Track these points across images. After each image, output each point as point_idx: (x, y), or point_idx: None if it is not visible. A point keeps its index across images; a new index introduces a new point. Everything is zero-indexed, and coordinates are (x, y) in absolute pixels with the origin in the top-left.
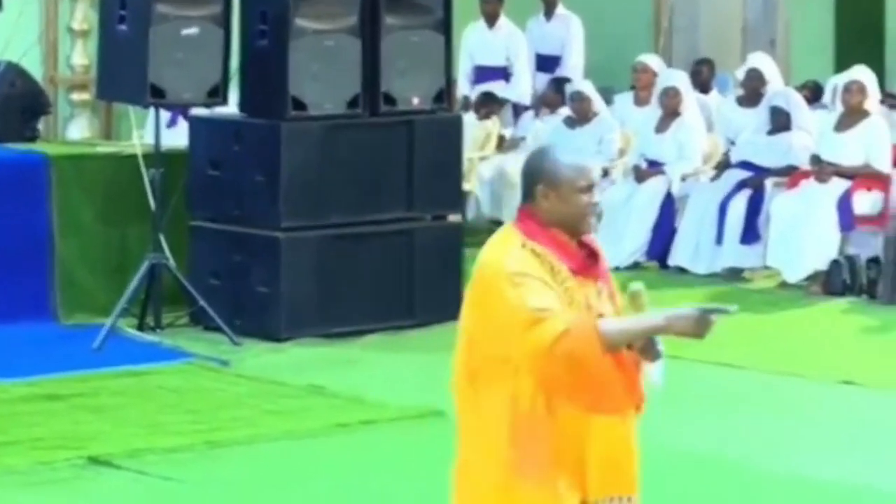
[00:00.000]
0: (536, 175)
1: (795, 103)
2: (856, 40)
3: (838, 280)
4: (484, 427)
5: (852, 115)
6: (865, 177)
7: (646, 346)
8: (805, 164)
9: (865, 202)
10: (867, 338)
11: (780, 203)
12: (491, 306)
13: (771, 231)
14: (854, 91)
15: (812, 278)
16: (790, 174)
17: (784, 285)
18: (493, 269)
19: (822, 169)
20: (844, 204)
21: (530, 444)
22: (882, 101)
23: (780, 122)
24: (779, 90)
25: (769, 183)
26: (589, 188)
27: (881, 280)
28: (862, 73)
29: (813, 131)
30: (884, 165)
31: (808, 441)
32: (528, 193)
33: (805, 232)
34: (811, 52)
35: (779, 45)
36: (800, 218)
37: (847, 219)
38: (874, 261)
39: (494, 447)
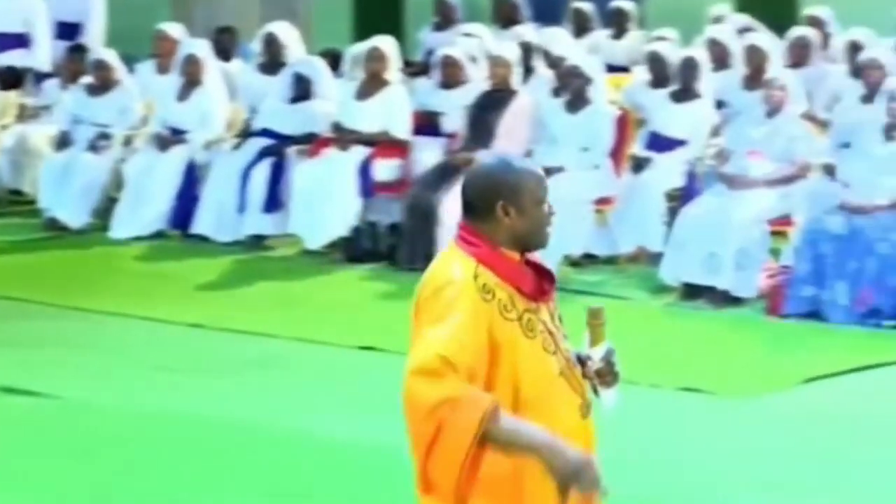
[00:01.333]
0: (495, 190)
1: (318, 71)
2: (375, 10)
3: (359, 246)
4: None
5: (373, 83)
6: (385, 144)
7: (603, 371)
8: (327, 132)
9: (385, 169)
10: (387, 303)
11: (303, 170)
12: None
13: (293, 198)
14: (375, 59)
15: (334, 245)
16: (312, 141)
17: (306, 252)
18: (436, 286)
19: (342, 136)
20: (365, 171)
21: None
22: (401, 70)
23: (303, 89)
24: (301, 58)
25: (291, 150)
26: (546, 197)
27: (401, 246)
28: (383, 42)
29: (334, 99)
30: (403, 133)
31: (328, 404)
32: (484, 211)
33: (327, 199)
34: (331, 21)
35: (299, 14)
36: (322, 185)
37: (367, 186)
38: (394, 227)
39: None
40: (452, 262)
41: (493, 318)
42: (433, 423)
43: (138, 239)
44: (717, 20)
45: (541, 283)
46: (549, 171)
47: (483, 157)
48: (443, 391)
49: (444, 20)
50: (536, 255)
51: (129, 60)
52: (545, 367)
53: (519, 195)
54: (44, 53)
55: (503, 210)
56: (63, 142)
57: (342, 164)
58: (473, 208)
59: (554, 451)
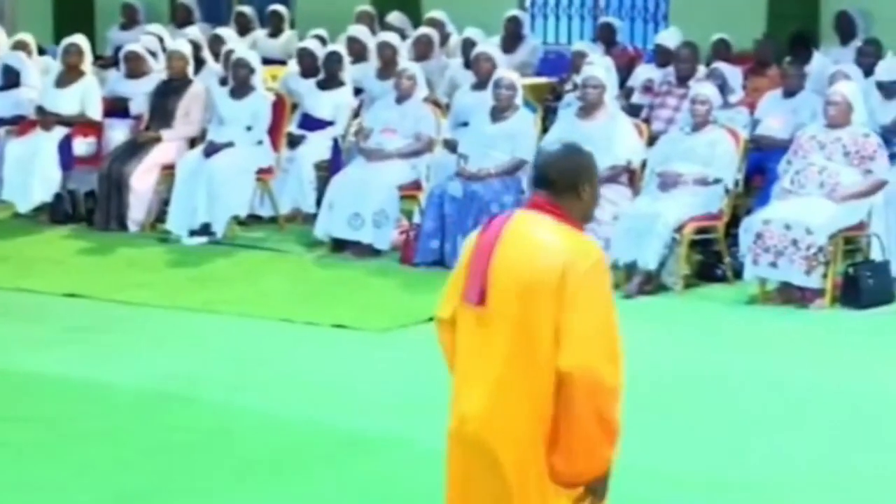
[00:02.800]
0: (582, 172)
1: (23, 63)
2: (70, 12)
3: (62, 210)
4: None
5: (70, 74)
6: (82, 125)
7: None
8: (32, 115)
9: (82, 146)
10: (85, 257)
11: (13, 147)
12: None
13: (5, 170)
14: (72, 54)
15: (40, 209)
16: (20, 123)
17: (17, 215)
18: (592, 259)
19: (46, 118)
20: (65, 147)
21: None
22: (94, 63)
23: (11, 79)
24: (9, 53)
25: (2, 131)
26: None
27: (96, 210)
28: (78, 39)
29: (38, 87)
30: (96, 115)
31: (37, 341)
32: (568, 189)
33: (34, 171)
34: (34, 21)
35: (7, 15)
36: (29, 159)
37: (68, 159)
38: (91, 194)
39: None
40: (569, 231)
41: None
42: (615, 399)
43: None
44: (360, 18)
45: None
46: (219, 147)
47: (554, 142)
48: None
49: (129, 21)
50: None
51: None
52: None
53: (593, 176)
54: None
55: (584, 190)
56: None
57: (46, 142)
58: (557, 186)
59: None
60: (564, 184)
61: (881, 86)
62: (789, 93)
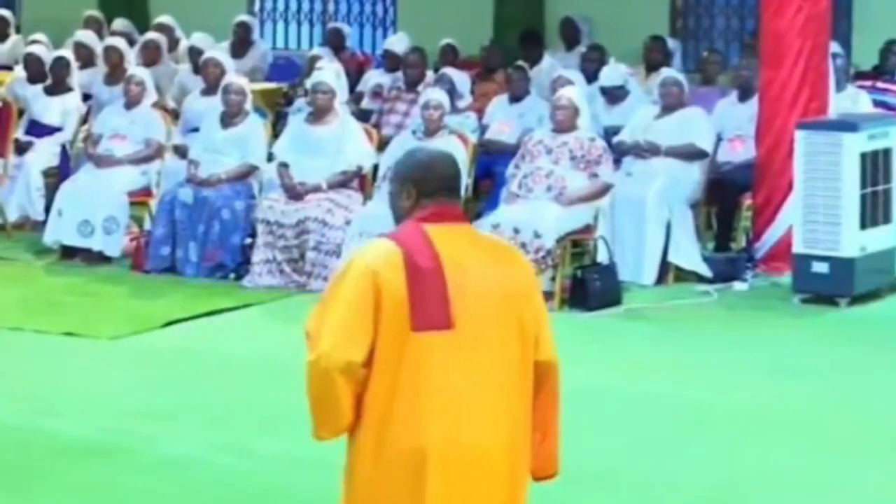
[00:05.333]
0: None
1: None
2: None
3: None
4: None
5: None
6: None
7: None
8: None
9: None
10: None
11: None
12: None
13: None
14: None
15: None
16: None
17: None
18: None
19: None
20: None
21: None
22: None
23: None
24: None
25: None
26: None
27: None
28: None
29: None
30: None
31: None
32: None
33: None
34: None
35: None
36: None
37: None
38: None
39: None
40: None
41: None
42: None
43: None
44: (88, 22)
45: None
46: None
47: (434, 149)
48: None
49: None
50: None
51: None
52: None
53: None
54: None
55: None
56: None
57: None
58: (459, 194)
59: None
60: (459, 192)
61: (604, 91)
62: (515, 98)
